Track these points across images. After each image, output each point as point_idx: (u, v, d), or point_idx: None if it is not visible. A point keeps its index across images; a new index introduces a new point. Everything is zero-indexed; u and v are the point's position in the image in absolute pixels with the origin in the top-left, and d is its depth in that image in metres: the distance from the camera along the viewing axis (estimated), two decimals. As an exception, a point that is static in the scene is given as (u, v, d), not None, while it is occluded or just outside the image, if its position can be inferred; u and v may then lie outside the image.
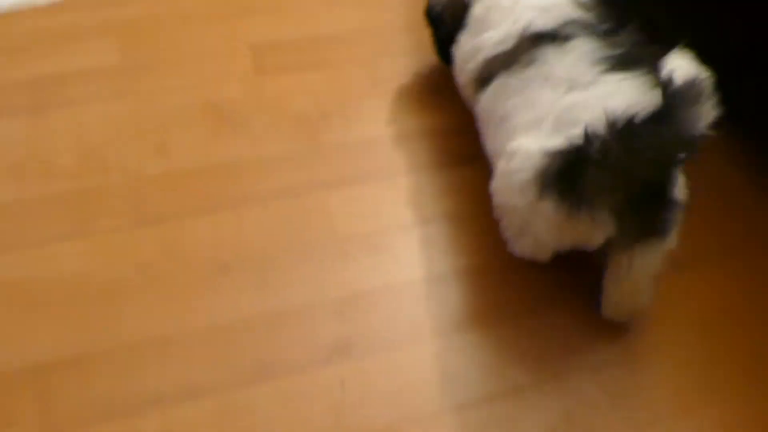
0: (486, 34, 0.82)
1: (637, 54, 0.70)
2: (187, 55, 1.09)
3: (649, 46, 0.71)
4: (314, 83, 1.06)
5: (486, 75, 0.81)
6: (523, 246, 0.81)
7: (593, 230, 0.71)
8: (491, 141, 0.80)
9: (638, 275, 0.76)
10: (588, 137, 0.65)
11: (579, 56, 0.72)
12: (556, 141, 0.68)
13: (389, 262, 0.87)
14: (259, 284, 0.84)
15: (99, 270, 0.84)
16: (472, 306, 0.84)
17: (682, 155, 0.65)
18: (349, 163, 0.96)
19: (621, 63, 0.70)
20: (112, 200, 0.90)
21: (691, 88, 0.63)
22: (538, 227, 0.74)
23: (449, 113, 1.03)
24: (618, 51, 0.71)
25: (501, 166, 0.76)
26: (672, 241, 0.74)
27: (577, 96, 0.69)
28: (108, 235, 0.87)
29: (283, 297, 0.83)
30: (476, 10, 0.87)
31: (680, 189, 0.71)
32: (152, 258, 0.85)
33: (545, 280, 0.85)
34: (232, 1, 1.18)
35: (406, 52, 1.11)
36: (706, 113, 0.63)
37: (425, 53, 1.07)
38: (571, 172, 0.67)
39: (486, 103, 0.81)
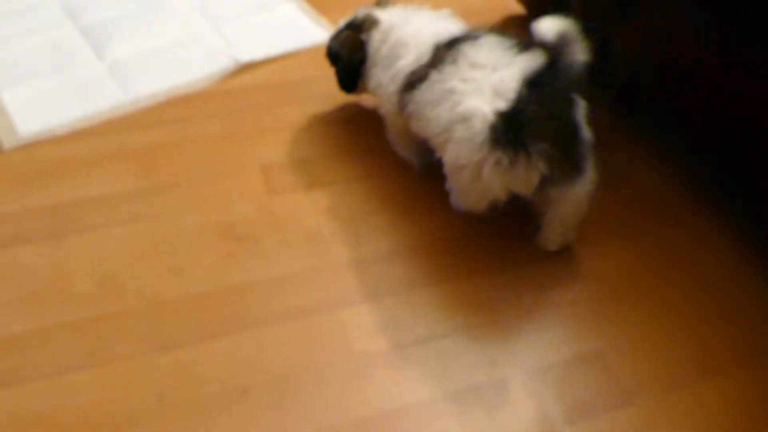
0: (399, 63, 1.03)
1: (525, 41, 0.93)
2: (200, 177, 1.14)
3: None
4: (324, 200, 1.11)
5: (414, 81, 1.00)
6: (467, 200, 0.98)
7: (531, 173, 0.88)
8: (434, 121, 0.96)
9: (565, 212, 0.97)
10: (520, 99, 0.86)
11: (491, 47, 0.94)
12: (500, 104, 0.87)
13: (409, 379, 0.88)
14: (277, 407, 0.85)
15: (117, 399, 0.85)
16: (499, 426, 0.84)
17: (574, 91, 0.88)
18: (363, 280, 0.99)
19: (522, 47, 0.92)
20: (130, 326, 0.92)
21: (563, 38, 0.86)
22: (484, 178, 0.90)
23: (456, 227, 1.07)
24: (515, 41, 0.94)
25: (458, 130, 0.91)
26: (592, 179, 0.94)
27: (503, 72, 0.90)
28: (126, 362, 0.88)
29: (302, 418, 0.84)
30: (382, 51, 1.08)
31: (587, 132, 0.91)
32: (170, 384, 0.86)
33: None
34: (242, 123, 1.25)
35: (407, 168, 1.17)
36: (580, 52, 0.86)
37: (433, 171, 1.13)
38: (509, 126, 0.86)
39: (422, 95, 0.98)
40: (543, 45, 0.88)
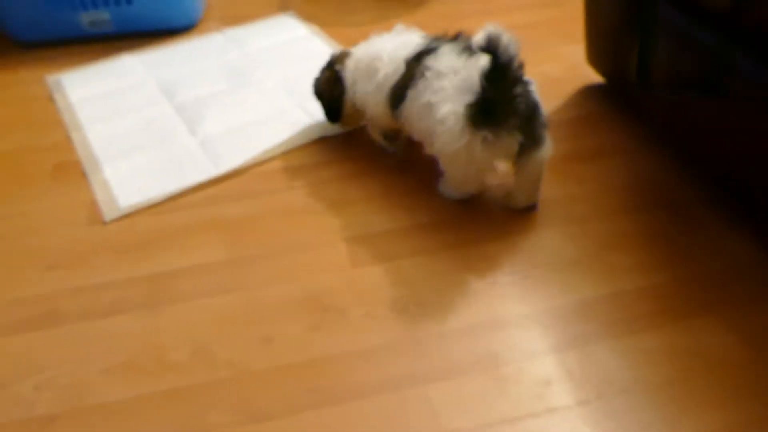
0: (379, 75, 1.24)
1: (471, 46, 1.15)
2: (286, 248, 1.19)
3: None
4: (410, 272, 1.13)
5: (398, 95, 1.21)
6: (464, 188, 1.24)
7: (512, 141, 1.11)
8: (424, 128, 1.18)
9: (533, 172, 1.18)
10: (483, 89, 1.07)
11: (449, 55, 1.15)
12: (468, 98, 1.09)
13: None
14: (364, 484, 0.85)
15: (209, 470, 0.87)
16: None
17: (515, 74, 1.07)
18: (449, 354, 1.00)
19: (471, 51, 1.14)
20: (222, 396, 0.96)
21: (494, 38, 1.03)
22: (477, 156, 1.11)
23: (534, 303, 1.07)
24: (463, 45, 1.16)
25: (440, 130, 1.13)
26: (550, 148, 1.16)
27: (463, 73, 1.11)
28: (217, 432, 0.91)
29: (389, 498, 0.84)
30: (360, 68, 1.29)
31: (543, 114, 1.14)
32: (260, 456, 0.88)
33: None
34: (326, 195, 1.30)
35: (491, 238, 1.18)
36: (511, 47, 1.03)
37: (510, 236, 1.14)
38: (484, 112, 1.08)
39: (408, 109, 1.20)
40: (483, 48, 1.06)
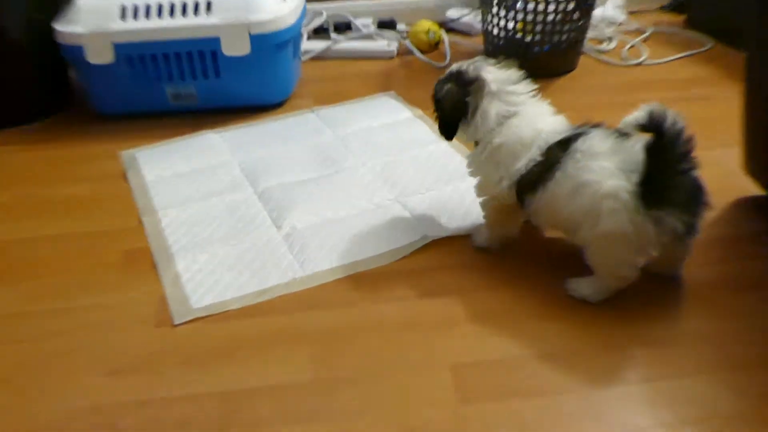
0: (515, 164, 1.27)
1: (623, 131, 1.18)
2: (380, 371, 1.15)
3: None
4: (524, 413, 1.07)
5: (534, 183, 1.25)
6: (619, 269, 1.23)
7: (678, 225, 1.15)
8: (572, 212, 1.21)
9: (682, 254, 1.29)
10: (649, 168, 1.12)
11: (601, 138, 1.20)
12: (633, 177, 1.14)
13: None
14: None
15: None
16: None
17: (685, 149, 1.12)
18: None
19: (625, 135, 1.18)
20: None
21: (658, 113, 1.09)
22: (648, 238, 1.16)
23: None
24: (613, 130, 1.21)
25: (606, 207, 1.16)
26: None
27: (622, 155, 1.17)
28: None
29: None
30: (495, 141, 1.28)
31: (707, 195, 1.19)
32: None
33: None
34: (431, 310, 1.27)
35: (631, 381, 1.11)
36: (678, 121, 1.10)
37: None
38: (657, 190, 1.13)
39: (550, 194, 1.23)
40: (646, 125, 1.09)
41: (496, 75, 1.29)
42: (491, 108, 1.28)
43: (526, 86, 1.30)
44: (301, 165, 1.70)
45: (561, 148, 1.22)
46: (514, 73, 1.30)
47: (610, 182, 1.15)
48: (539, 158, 1.24)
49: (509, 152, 1.27)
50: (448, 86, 1.31)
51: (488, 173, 1.31)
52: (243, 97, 1.95)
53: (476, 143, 1.33)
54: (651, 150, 1.11)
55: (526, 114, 1.28)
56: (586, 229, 1.20)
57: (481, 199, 1.37)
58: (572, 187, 1.19)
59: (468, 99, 1.29)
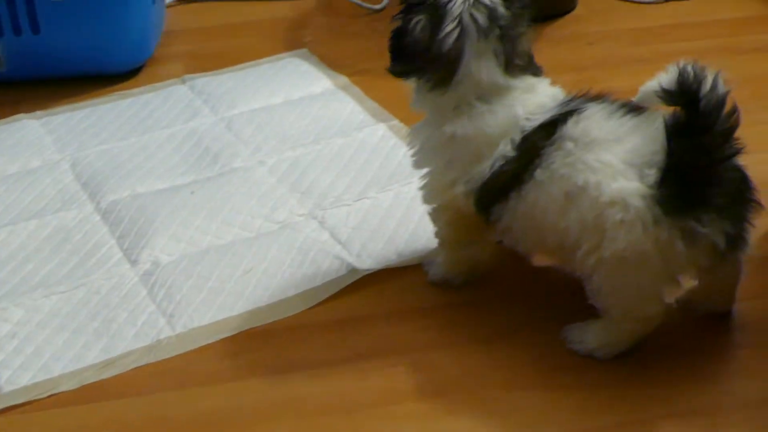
0: (478, 164, 1.27)
1: (632, 104, 1.23)
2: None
3: None
4: None
5: (503, 187, 1.26)
6: (639, 301, 1.22)
7: (718, 235, 1.16)
8: (571, 225, 1.20)
9: (733, 274, 1.30)
10: (671, 155, 1.13)
11: (601, 118, 1.21)
12: (648, 173, 1.14)
13: None
14: None
15: None
16: None
17: (727, 128, 1.12)
18: None
19: (637, 111, 1.22)
20: None
21: (692, 75, 1.09)
22: (676, 258, 1.16)
23: None
24: (622, 104, 1.23)
25: (613, 220, 1.15)
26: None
27: (633, 141, 1.18)
28: None
29: None
30: (445, 130, 1.28)
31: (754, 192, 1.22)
32: None
33: None
34: (362, 384, 1.26)
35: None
36: (719, 87, 1.09)
37: None
38: (685, 191, 1.13)
39: (529, 202, 1.24)
40: (674, 92, 1.10)
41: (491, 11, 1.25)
42: (481, 68, 1.25)
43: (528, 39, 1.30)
44: (167, 165, 1.69)
45: (543, 134, 1.22)
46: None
47: (616, 184, 1.14)
48: (512, 154, 1.23)
49: (466, 149, 1.27)
50: (418, 18, 1.27)
51: (438, 168, 1.31)
52: (75, 63, 1.93)
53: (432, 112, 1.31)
54: (678, 130, 1.10)
55: (516, 89, 1.27)
56: (587, 252, 1.18)
57: (429, 208, 1.37)
58: (561, 192, 1.19)
59: (443, 42, 1.24)
